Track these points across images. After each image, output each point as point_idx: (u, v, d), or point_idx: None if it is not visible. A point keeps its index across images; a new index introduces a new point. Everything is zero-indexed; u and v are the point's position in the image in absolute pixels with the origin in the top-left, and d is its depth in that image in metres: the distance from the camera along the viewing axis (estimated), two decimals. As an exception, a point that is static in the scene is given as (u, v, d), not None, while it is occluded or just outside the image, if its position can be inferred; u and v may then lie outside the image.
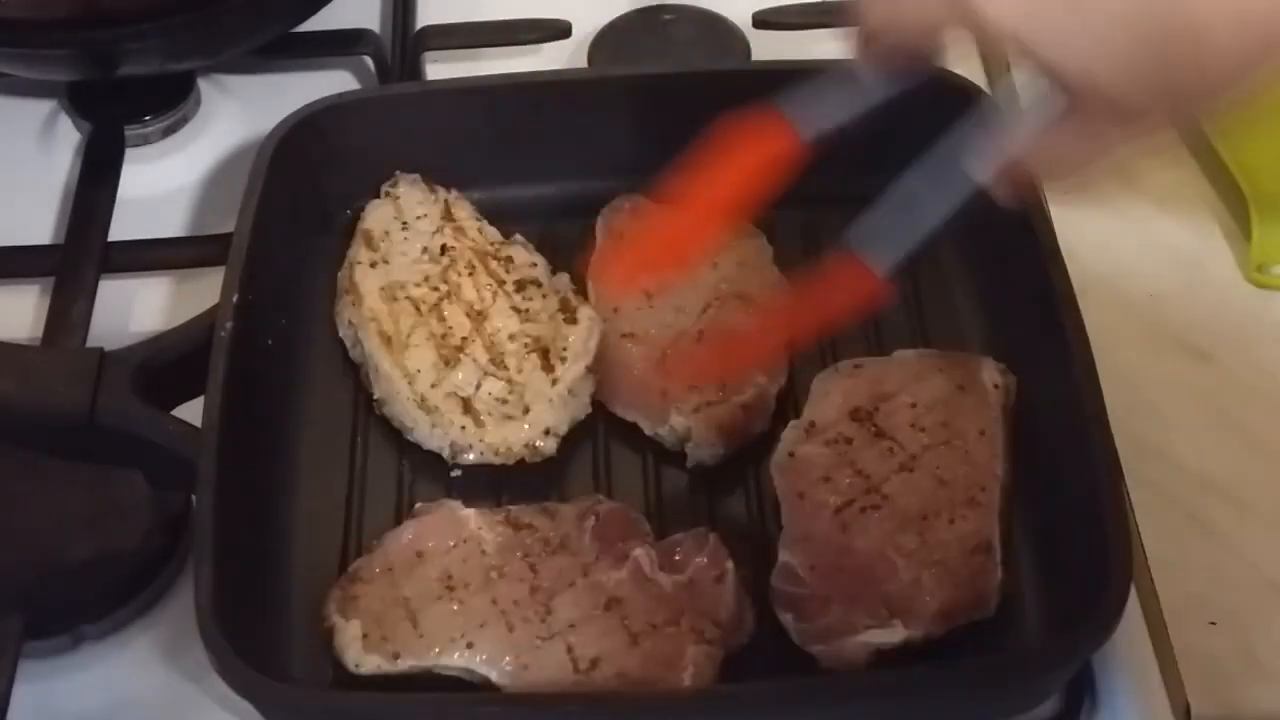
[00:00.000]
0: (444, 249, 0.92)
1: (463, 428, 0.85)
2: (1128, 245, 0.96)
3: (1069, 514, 0.79)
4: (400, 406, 0.86)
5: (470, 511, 0.82)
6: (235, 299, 0.84)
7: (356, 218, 0.95)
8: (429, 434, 0.86)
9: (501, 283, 0.91)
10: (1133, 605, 0.77)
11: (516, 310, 0.90)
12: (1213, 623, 0.79)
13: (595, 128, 0.97)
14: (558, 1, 1.12)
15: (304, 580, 0.82)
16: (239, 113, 1.08)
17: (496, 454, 0.85)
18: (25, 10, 0.97)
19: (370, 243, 0.93)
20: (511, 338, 0.88)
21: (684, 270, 0.86)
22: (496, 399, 0.86)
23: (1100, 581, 0.73)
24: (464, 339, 0.88)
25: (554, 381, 0.86)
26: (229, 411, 0.80)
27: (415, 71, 1.09)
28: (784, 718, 0.75)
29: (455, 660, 0.76)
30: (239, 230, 0.88)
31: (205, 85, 1.09)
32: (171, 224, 1.02)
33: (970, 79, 0.98)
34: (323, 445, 0.88)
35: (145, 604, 0.82)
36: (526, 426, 0.85)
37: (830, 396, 0.86)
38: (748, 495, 0.85)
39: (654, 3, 1.12)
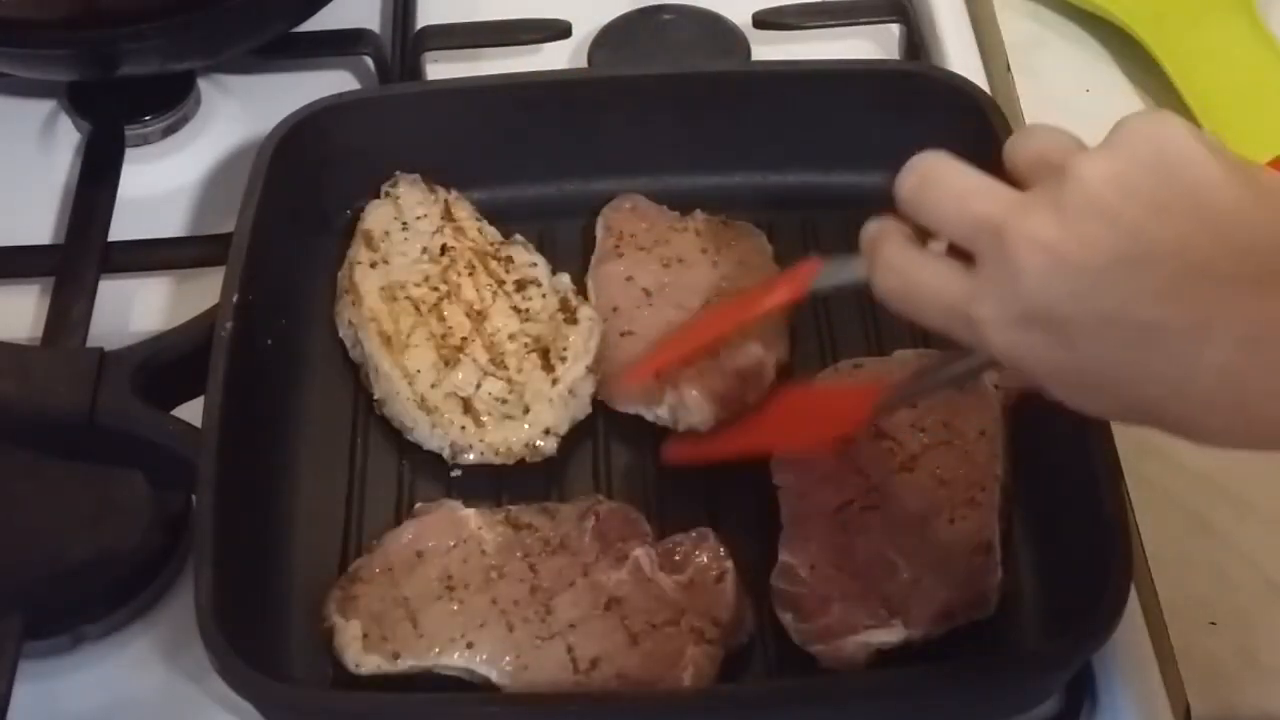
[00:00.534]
0: (444, 249, 0.92)
1: (463, 428, 0.85)
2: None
3: (1069, 514, 0.79)
4: (400, 406, 0.86)
5: (470, 511, 0.82)
6: (235, 299, 0.84)
7: (356, 218, 0.95)
8: (429, 434, 0.86)
9: (501, 283, 0.91)
10: (1133, 605, 0.77)
11: (516, 310, 0.90)
12: (1213, 622, 0.79)
13: (595, 128, 0.97)
14: (558, 1, 1.12)
15: (304, 580, 0.82)
16: (239, 113, 1.08)
17: (496, 454, 0.85)
18: (25, 10, 0.97)
19: (370, 243, 0.93)
20: (511, 337, 0.88)
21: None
22: (496, 399, 0.86)
23: (1100, 581, 0.73)
24: (464, 339, 0.88)
25: (554, 381, 0.86)
26: (229, 411, 0.80)
27: (415, 71, 1.09)
28: (784, 718, 0.75)
29: (455, 660, 0.76)
30: (239, 230, 0.88)
31: (205, 85, 1.09)
32: (171, 224, 1.02)
33: (970, 79, 0.98)
34: (323, 445, 0.88)
35: (145, 604, 0.82)
36: (526, 426, 0.85)
37: (830, 396, 0.86)
38: (747, 495, 0.85)
39: (654, 3, 1.12)
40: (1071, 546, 0.78)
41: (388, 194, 0.96)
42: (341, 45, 1.10)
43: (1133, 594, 0.75)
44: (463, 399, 0.86)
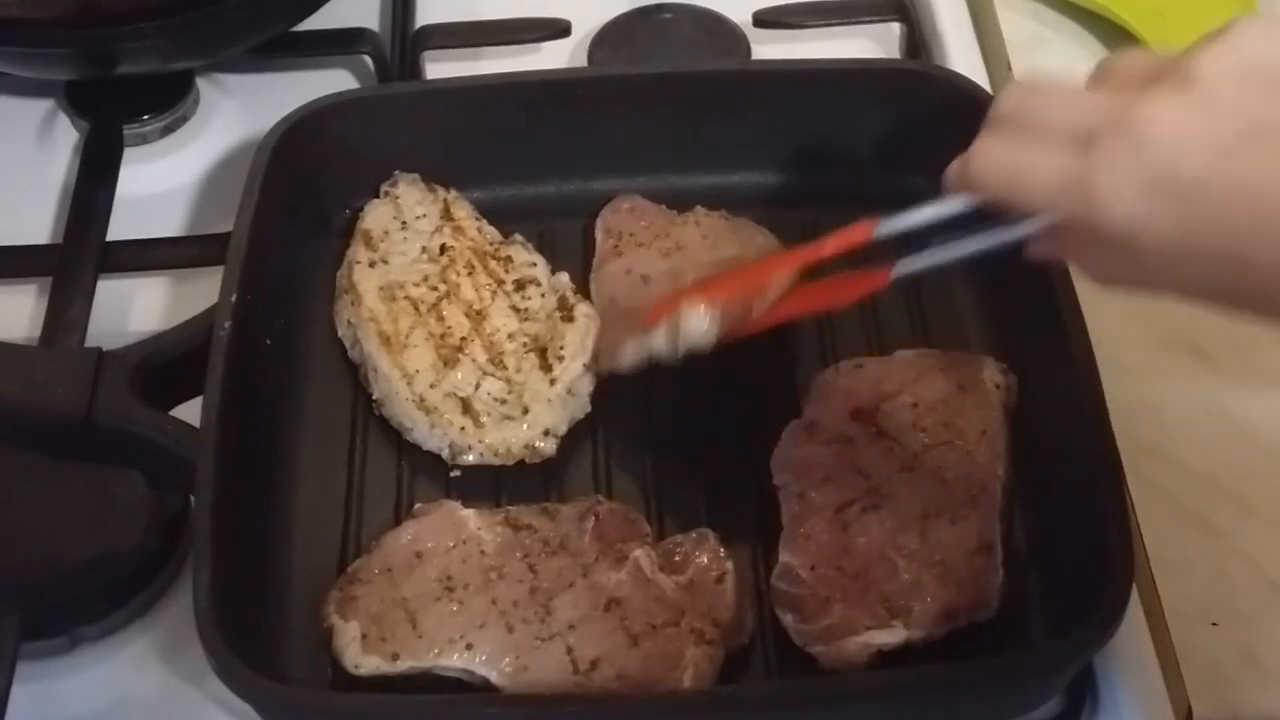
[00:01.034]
0: (443, 249, 0.92)
1: (462, 428, 0.85)
2: (1128, 245, 0.96)
3: (1070, 514, 0.79)
4: (399, 407, 0.86)
5: (470, 512, 0.82)
6: (234, 299, 0.84)
7: (355, 217, 0.95)
8: (428, 434, 0.86)
9: (501, 282, 0.91)
10: (1134, 606, 0.76)
11: (515, 310, 0.90)
12: (1214, 623, 0.79)
13: (595, 128, 0.97)
14: (558, 1, 1.12)
15: (303, 581, 0.82)
16: (238, 112, 1.08)
17: (496, 455, 0.85)
18: (24, 9, 0.96)
19: (369, 242, 0.93)
20: (510, 337, 0.88)
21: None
22: (496, 399, 0.86)
23: (1101, 582, 0.73)
24: (463, 339, 0.88)
25: (552, 381, 0.86)
26: (228, 411, 0.80)
27: (415, 71, 1.09)
28: (784, 718, 0.75)
29: (455, 661, 0.76)
30: (238, 230, 0.88)
31: (204, 84, 1.09)
32: (170, 223, 1.02)
33: (971, 78, 0.98)
34: (322, 445, 0.88)
35: (144, 604, 0.82)
36: (525, 427, 0.85)
37: (831, 396, 0.86)
38: (748, 495, 0.85)
39: (654, 2, 1.12)
40: (1073, 547, 0.78)
41: (387, 193, 0.96)
42: (340, 44, 1.10)
43: (1134, 595, 0.75)
44: (462, 399, 0.86)
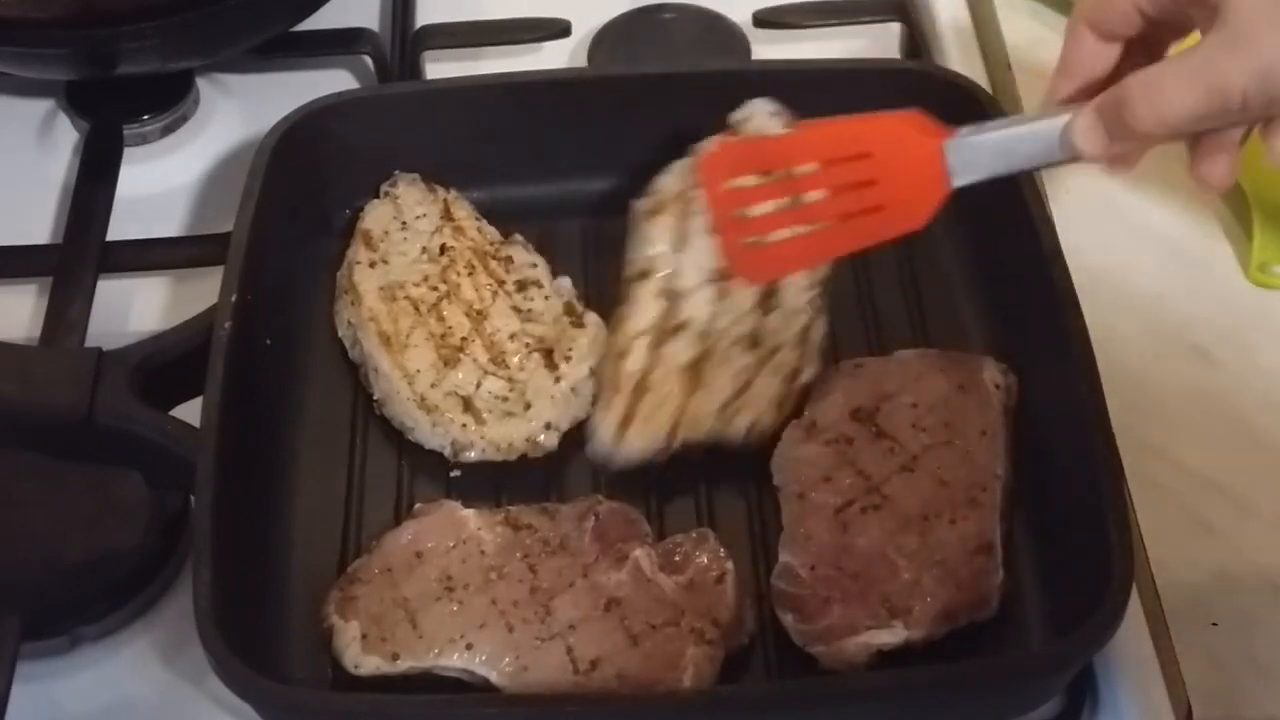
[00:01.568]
0: (443, 249, 0.92)
1: (463, 426, 0.85)
2: (1128, 245, 0.96)
3: (1070, 514, 0.79)
4: (400, 406, 0.86)
5: (470, 512, 0.82)
6: (234, 299, 0.84)
7: (356, 217, 0.95)
8: (429, 433, 0.86)
9: (501, 282, 0.91)
10: (1134, 606, 0.76)
11: (517, 310, 0.90)
12: (1214, 623, 0.79)
13: (595, 128, 0.97)
14: (557, 1, 1.12)
15: (303, 581, 0.82)
16: (238, 112, 1.08)
17: (498, 450, 0.85)
18: (24, 9, 0.96)
19: (369, 242, 0.93)
20: (512, 337, 0.88)
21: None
22: (497, 397, 0.86)
23: (1101, 582, 0.73)
24: (463, 339, 0.88)
25: (557, 379, 0.86)
26: (228, 411, 0.80)
27: (415, 71, 1.09)
28: (784, 718, 0.75)
29: (455, 661, 0.76)
30: (238, 230, 0.88)
31: (204, 84, 1.09)
32: (170, 223, 1.02)
33: (971, 78, 0.98)
34: (322, 445, 0.88)
35: (143, 604, 0.82)
36: (528, 421, 0.85)
37: (831, 396, 0.86)
38: (748, 495, 0.85)
39: (654, 2, 1.12)
40: (1073, 547, 0.78)
41: (387, 194, 0.96)
42: (340, 44, 1.10)
43: (1134, 595, 0.75)
44: (463, 398, 0.86)
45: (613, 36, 1.10)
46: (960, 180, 0.71)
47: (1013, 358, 0.88)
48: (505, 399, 0.86)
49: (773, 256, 0.77)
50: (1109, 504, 0.75)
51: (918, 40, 1.09)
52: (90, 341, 0.92)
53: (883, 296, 0.93)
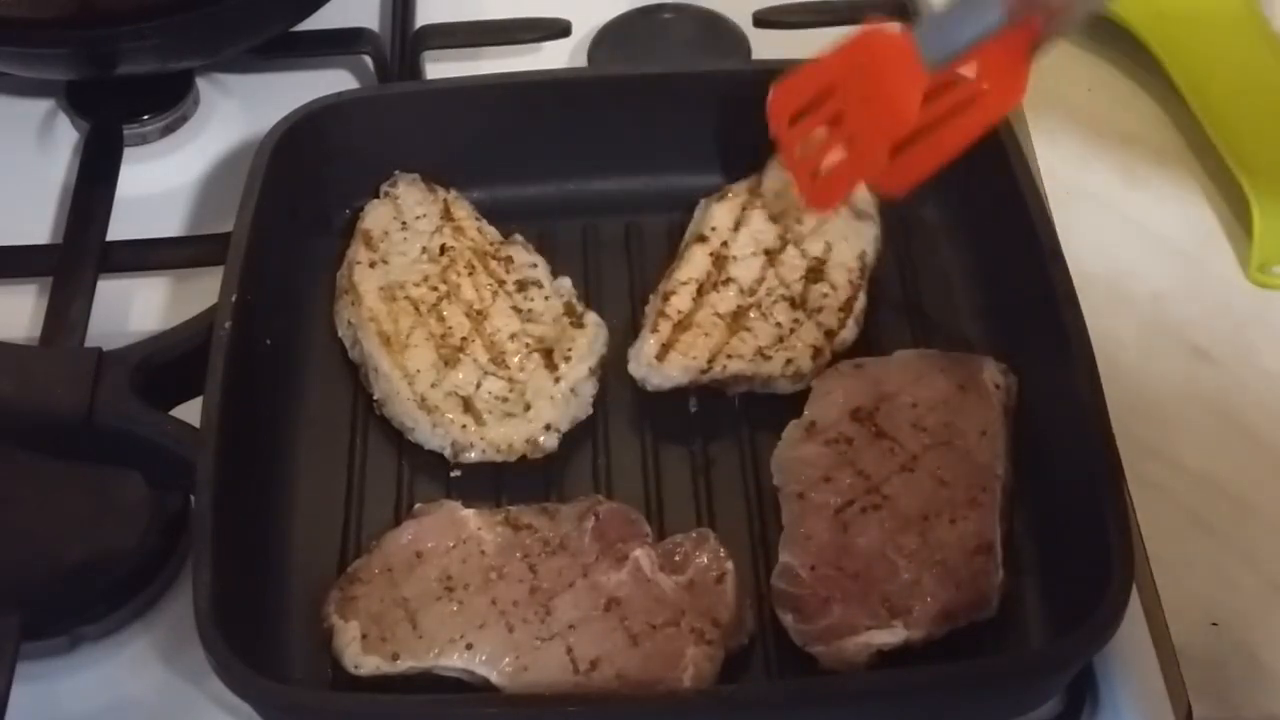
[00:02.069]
0: (443, 249, 0.92)
1: (463, 426, 0.85)
2: (1128, 245, 0.96)
3: (1070, 514, 0.79)
4: (400, 406, 0.86)
5: (470, 512, 0.82)
6: (234, 299, 0.84)
7: (355, 218, 0.95)
8: (429, 434, 0.86)
9: (501, 283, 0.91)
10: (1134, 606, 0.76)
11: (517, 310, 0.90)
12: (1214, 623, 0.79)
13: (595, 128, 0.97)
14: (557, 1, 1.12)
15: (303, 581, 0.82)
16: (237, 112, 1.08)
17: (498, 451, 0.85)
18: (23, 9, 0.96)
19: (369, 243, 0.93)
20: (513, 337, 0.88)
21: None
22: (497, 398, 0.86)
23: (1101, 582, 0.73)
24: (464, 339, 0.88)
25: (557, 380, 0.86)
26: (228, 412, 0.80)
27: (415, 71, 1.09)
28: (784, 718, 0.75)
29: (455, 661, 0.76)
30: (238, 230, 0.88)
31: (204, 84, 1.09)
32: (170, 223, 1.02)
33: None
34: (322, 445, 0.88)
35: (143, 605, 0.82)
36: (528, 422, 0.85)
37: (831, 396, 0.86)
38: (748, 496, 0.85)
39: (654, 2, 1.12)
40: (1073, 547, 0.78)
41: (387, 194, 0.96)
42: (340, 44, 1.10)
43: (1134, 595, 0.75)
44: (463, 398, 0.86)
45: (613, 36, 1.10)
46: (931, 66, 0.78)
47: (1013, 358, 0.87)
48: (505, 399, 0.86)
49: (831, 183, 0.85)
50: (1109, 504, 0.75)
51: (918, 40, 1.09)
52: (90, 341, 0.92)
53: (883, 297, 0.93)
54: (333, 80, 1.09)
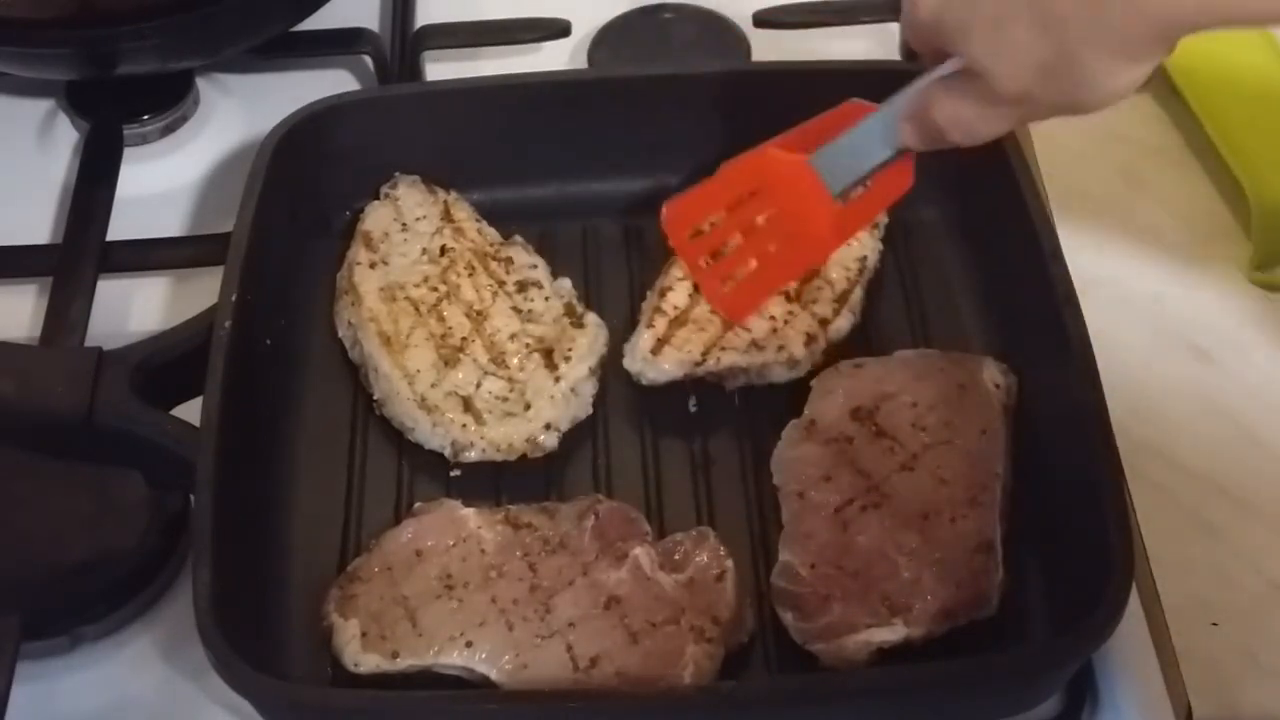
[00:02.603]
0: (443, 250, 0.92)
1: (464, 426, 0.85)
2: (1128, 245, 0.96)
3: (1070, 513, 0.79)
4: (400, 407, 0.86)
5: (469, 511, 0.82)
6: (234, 299, 0.84)
7: (356, 219, 0.95)
8: (430, 434, 0.86)
9: (501, 283, 0.91)
10: (1134, 605, 0.76)
11: (517, 311, 0.90)
12: (1214, 623, 0.79)
13: (595, 128, 0.97)
14: (558, 1, 1.12)
15: (303, 579, 0.82)
16: (238, 112, 1.08)
17: (498, 450, 0.85)
18: (24, 9, 0.96)
19: (369, 243, 0.93)
20: (513, 338, 0.88)
21: None
22: (497, 397, 0.86)
23: (1101, 581, 0.73)
24: (464, 339, 0.88)
25: (557, 379, 0.86)
26: (228, 411, 0.80)
27: (415, 71, 1.09)
28: (784, 717, 0.75)
29: (454, 659, 0.76)
30: (238, 230, 0.88)
31: (204, 84, 1.09)
32: (170, 223, 1.02)
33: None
34: (322, 445, 0.88)
35: (144, 604, 0.82)
36: (528, 421, 0.85)
37: (831, 395, 0.86)
38: (748, 494, 0.85)
39: (654, 2, 1.12)
40: (1073, 546, 0.78)
41: (387, 195, 0.96)
42: (340, 45, 1.10)
43: (1134, 594, 0.75)
44: (463, 398, 0.86)
45: (613, 36, 1.10)
46: (836, 187, 0.78)
47: (1013, 358, 0.88)
48: (505, 399, 0.86)
49: (742, 293, 0.86)
50: (1109, 503, 0.75)
51: (918, 41, 1.09)
52: (90, 341, 0.92)
53: (883, 296, 0.93)
54: (333, 80, 1.09)
